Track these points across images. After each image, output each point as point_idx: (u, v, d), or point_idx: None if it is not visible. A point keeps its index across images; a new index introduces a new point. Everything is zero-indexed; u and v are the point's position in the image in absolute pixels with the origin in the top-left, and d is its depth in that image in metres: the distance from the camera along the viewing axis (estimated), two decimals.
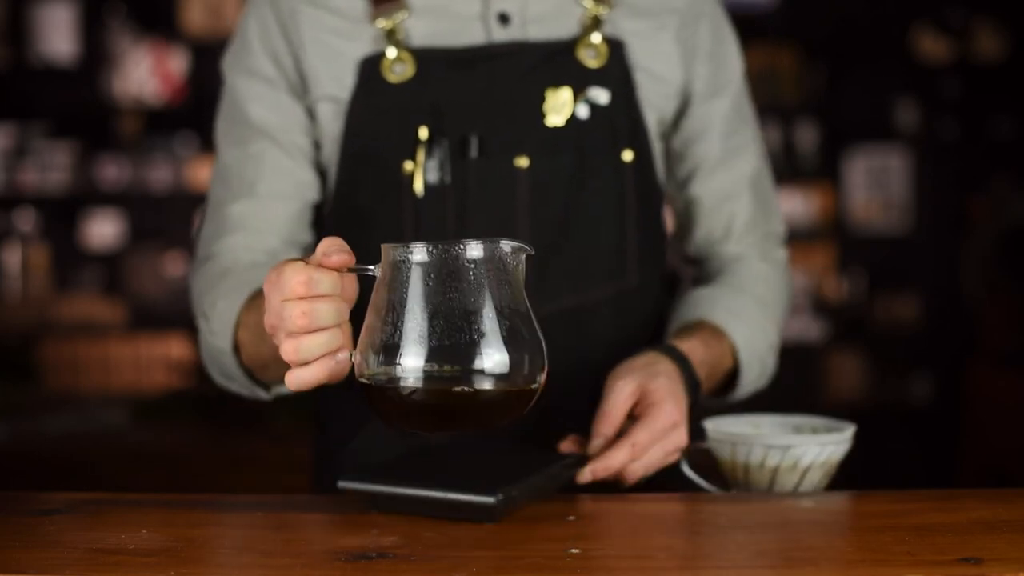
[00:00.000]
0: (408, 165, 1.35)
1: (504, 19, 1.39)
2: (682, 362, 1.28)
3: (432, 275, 0.94)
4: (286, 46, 1.40)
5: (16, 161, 4.83)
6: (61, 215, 4.95)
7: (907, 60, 4.90)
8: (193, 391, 3.61)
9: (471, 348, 0.94)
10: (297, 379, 1.00)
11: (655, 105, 1.43)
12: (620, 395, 1.22)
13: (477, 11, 1.39)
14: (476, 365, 0.94)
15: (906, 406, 4.84)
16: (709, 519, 1.08)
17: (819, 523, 1.07)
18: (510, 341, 0.94)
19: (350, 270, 0.99)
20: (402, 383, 0.95)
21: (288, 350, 0.98)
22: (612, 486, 1.22)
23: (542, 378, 0.97)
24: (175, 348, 4.51)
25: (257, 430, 3.38)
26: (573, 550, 0.96)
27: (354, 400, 1.43)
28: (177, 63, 4.90)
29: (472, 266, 0.95)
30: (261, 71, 1.41)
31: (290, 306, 0.97)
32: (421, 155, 1.35)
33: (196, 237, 1.47)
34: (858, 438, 1.27)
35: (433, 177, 1.35)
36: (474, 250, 0.95)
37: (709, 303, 1.42)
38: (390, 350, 0.95)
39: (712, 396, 1.42)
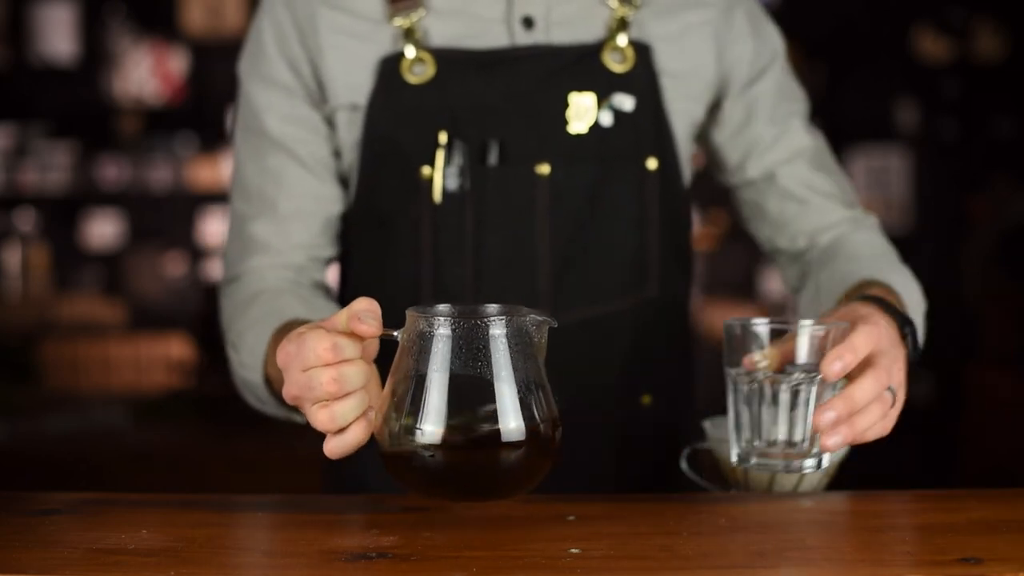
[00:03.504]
0: (426, 170, 1.33)
1: (528, 23, 1.36)
2: (886, 307, 1.15)
3: (456, 347, 0.96)
4: (304, 52, 1.37)
5: (16, 161, 4.84)
6: (61, 215, 4.96)
7: (907, 60, 4.90)
8: (193, 391, 3.62)
9: (490, 419, 0.95)
10: (338, 447, 0.99)
11: (684, 109, 1.39)
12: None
13: (500, 14, 1.36)
14: (494, 436, 0.96)
15: (906, 406, 4.83)
16: (709, 519, 1.08)
17: (819, 523, 1.07)
18: (528, 413, 0.96)
19: (370, 335, 0.99)
20: (420, 450, 0.96)
21: (323, 419, 0.98)
22: (608, 486, 1.21)
23: (555, 448, 0.99)
24: (175, 348, 4.51)
25: (257, 430, 3.38)
26: (573, 550, 0.96)
27: None
28: (177, 63, 4.90)
29: (496, 340, 0.96)
30: (278, 79, 1.39)
31: (317, 373, 0.97)
32: (440, 160, 1.33)
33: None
34: None
35: (452, 183, 1.33)
36: (499, 326, 0.96)
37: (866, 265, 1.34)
38: (410, 416, 0.96)
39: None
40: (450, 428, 0.95)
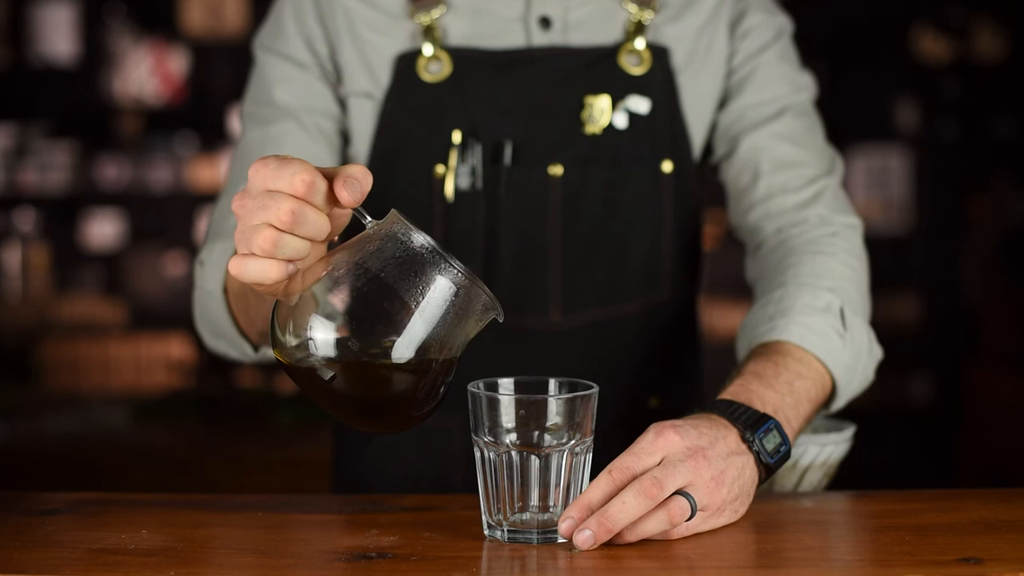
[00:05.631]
0: (440, 168, 1.33)
1: (546, 23, 1.35)
2: (714, 406, 1.09)
3: (403, 264, 0.92)
4: (322, 32, 1.37)
5: (16, 161, 4.84)
6: (61, 215, 4.95)
7: (907, 60, 4.90)
8: (193, 391, 3.62)
9: (385, 343, 0.91)
10: (243, 268, 0.92)
11: (700, 109, 1.38)
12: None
13: (518, 13, 1.36)
14: (378, 359, 0.91)
15: (906, 406, 4.83)
16: None
17: (819, 523, 1.07)
18: (423, 355, 0.92)
19: (350, 206, 0.94)
20: (306, 340, 0.92)
21: (266, 238, 0.90)
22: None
23: (431, 403, 0.95)
24: (175, 348, 4.51)
25: (257, 430, 3.38)
26: (573, 550, 0.96)
27: None
28: (177, 63, 4.90)
29: (441, 282, 0.92)
30: (293, 55, 1.38)
31: (281, 199, 0.90)
32: (453, 159, 1.32)
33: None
34: (858, 438, 1.27)
35: (465, 182, 1.33)
36: (452, 275, 0.92)
37: (753, 322, 1.26)
38: (319, 298, 0.92)
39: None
40: (345, 329, 0.91)
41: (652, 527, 0.97)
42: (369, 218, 0.95)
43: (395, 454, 1.38)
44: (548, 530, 0.99)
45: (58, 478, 3.15)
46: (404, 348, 0.92)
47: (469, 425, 1.01)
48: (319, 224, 0.92)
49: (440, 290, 0.92)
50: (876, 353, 1.29)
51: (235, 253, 0.94)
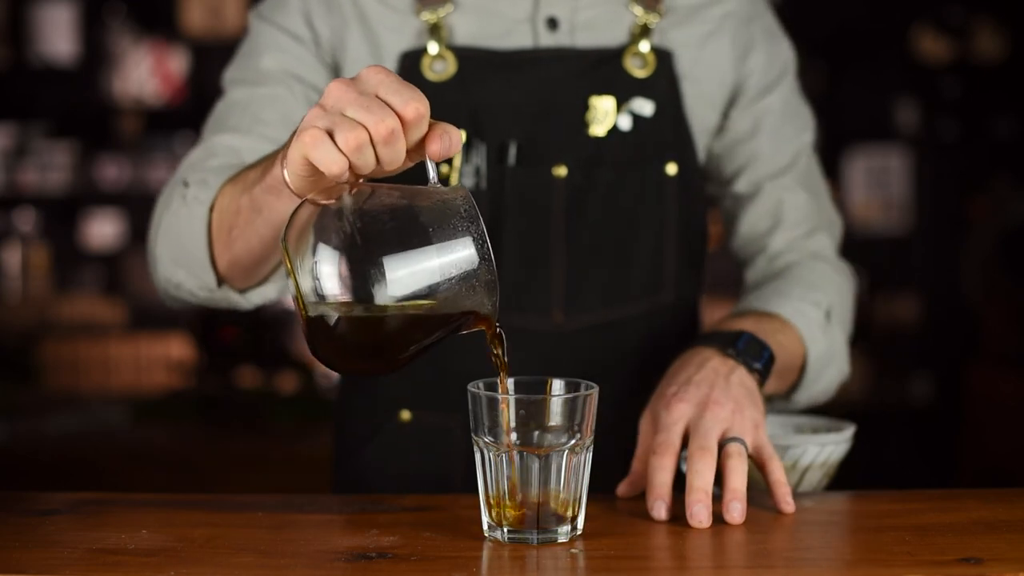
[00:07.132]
0: (444, 168, 1.32)
1: (553, 24, 1.35)
2: (707, 338, 1.22)
3: (450, 232, 0.91)
4: (326, 15, 1.35)
5: (16, 161, 4.84)
6: (61, 215, 4.96)
7: (907, 60, 4.90)
8: (193, 391, 3.61)
9: (400, 268, 0.89)
10: (319, 146, 0.89)
11: (703, 114, 1.40)
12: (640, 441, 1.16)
13: (526, 14, 1.35)
14: (383, 304, 0.90)
15: (906, 406, 4.83)
16: None
17: (819, 523, 1.07)
18: (423, 311, 0.91)
19: (434, 160, 0.93)
20: (321, 248, 0.90)
21: (354, 138, 0.89)
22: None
23: (402, 357, 0.94)
24: (175, 348, 4.51)
25: (257, 430, 3.38)
26: (573, 550, 0.96)
27: (369, 400, 1.42)
28: (177, 63, 4.90)
29: (470, 273, 0.92)
30: (290, 27, 1.36)
31: (388, 113, 0.89)
32: (458, 159, 1.32)
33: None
34: (858, 438, 1.27)
35: (469, 182, 1.32)
36: (486, 276, 0.92)
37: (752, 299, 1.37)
38: (359, 212, 0.90)
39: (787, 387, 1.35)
40: (365, 252, 0.89)
41: (741, 477, 1.07)
42: (435, 176, 0.95)
43: (395, 454, 1.38)
44: (548, 530, 0.99)
45: (58, 478, 3.15)
46: (413, 286, 0.90)
47: (469, 425, 1.01)
48: (399, 156, 0.92)
49: (465, 271, 0.92)
50: (844, 369, 1.40)
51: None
